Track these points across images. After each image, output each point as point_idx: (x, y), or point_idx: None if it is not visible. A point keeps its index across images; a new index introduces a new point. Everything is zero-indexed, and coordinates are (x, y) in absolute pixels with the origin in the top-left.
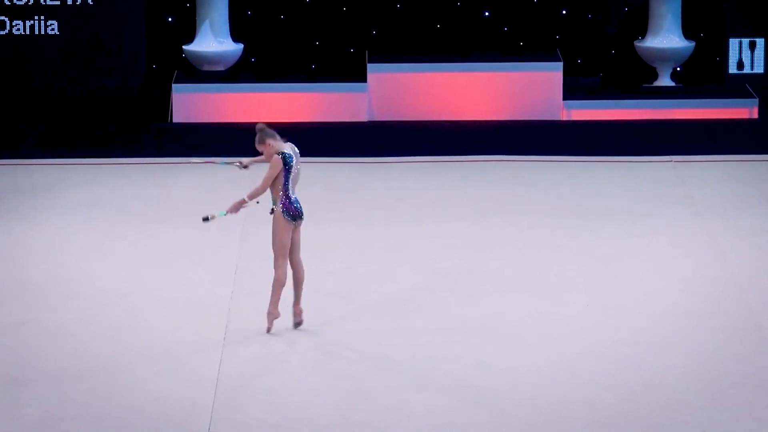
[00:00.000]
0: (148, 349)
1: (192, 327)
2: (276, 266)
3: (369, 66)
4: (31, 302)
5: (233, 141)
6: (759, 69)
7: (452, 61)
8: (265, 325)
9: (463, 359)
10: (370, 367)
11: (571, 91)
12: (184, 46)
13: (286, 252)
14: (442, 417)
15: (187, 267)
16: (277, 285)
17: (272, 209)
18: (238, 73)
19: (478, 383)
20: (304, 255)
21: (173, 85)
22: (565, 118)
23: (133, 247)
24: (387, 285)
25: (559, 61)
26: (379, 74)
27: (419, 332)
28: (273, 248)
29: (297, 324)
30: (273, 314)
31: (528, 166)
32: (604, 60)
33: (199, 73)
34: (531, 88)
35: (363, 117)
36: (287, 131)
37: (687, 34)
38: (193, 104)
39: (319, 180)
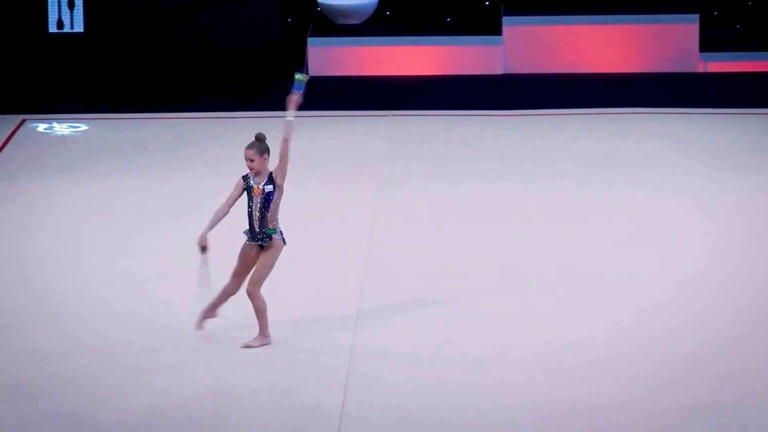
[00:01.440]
0: (286, 304)
1: (329, 282)
2: (259, 292)
3: (504, 19)
4: (169, 258)
5: (368, 94)
6: None
7: (587, 14)
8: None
9: (593, 312)
10: (498, 334)
11: (707, 44)
12: (319, 0)
13: (237, 271)
14: (575, 370)
15: (324, 221)
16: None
17: (266, 239)
18: (373, 26)
19: (605, 339)
20: (434, 211)
21: (308, 39)
22: (701, 70)
23: None
24: (519, 242)
25: (696, 13)
26: (514, 27)
27: (553, 287)
28: (265, 276)
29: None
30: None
31: (663, 119)
32: (741, 12)
33: (334, 26)
34: (667, 40)
35: (498, 70)
36: (422, 84)
37: None
38: (328, 58)
39: (453, 133)
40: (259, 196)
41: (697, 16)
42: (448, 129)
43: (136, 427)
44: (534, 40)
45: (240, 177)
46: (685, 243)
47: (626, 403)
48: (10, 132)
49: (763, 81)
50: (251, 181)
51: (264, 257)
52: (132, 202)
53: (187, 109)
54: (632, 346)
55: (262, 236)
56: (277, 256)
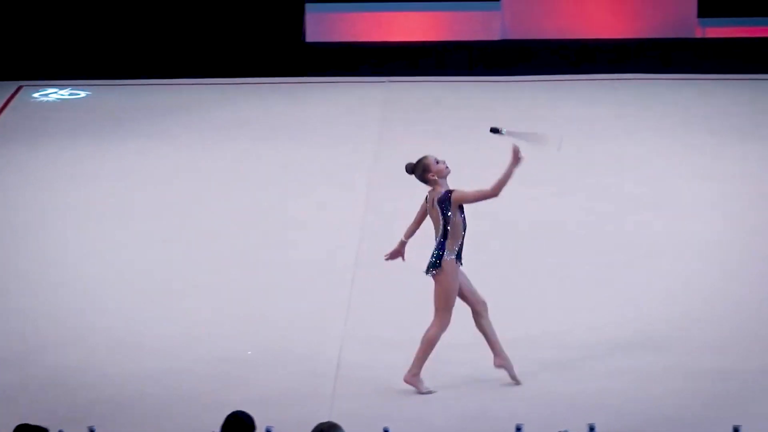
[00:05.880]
0: (282, 267)
1: (326, 246)
2: (436, 324)
3: None
4: (171, 220)
5: (365, 60)
6: None
7: None
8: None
9: (599, 274)
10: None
11: (706, 8)
12: None
13: (452, 306)
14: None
15: (319, 187)
16: (430, 344)
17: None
18: None
19: (615, 297)
20: None
21: (306, 5)
22: (699, 35)
23: (268, 167)
24: (527, 207)
25: None
26: None
27: (569, 247)
28: (438, 305)
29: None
30: (416, 377)
31: (661, 84)
32: None
33: None
34: (665, 5)
35: (496, 35)
36: (421, 49)
37: None
38: (325, 23)
39: (452, 98)
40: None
41: None
42: (445, 94)
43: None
44: (532, 5)
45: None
46: (689, 206)
47: None
48: (6, 99)
49: (760, 46)
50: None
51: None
52: (132, 168)
53: (186, 75)
54: None
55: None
56: (447, 280)
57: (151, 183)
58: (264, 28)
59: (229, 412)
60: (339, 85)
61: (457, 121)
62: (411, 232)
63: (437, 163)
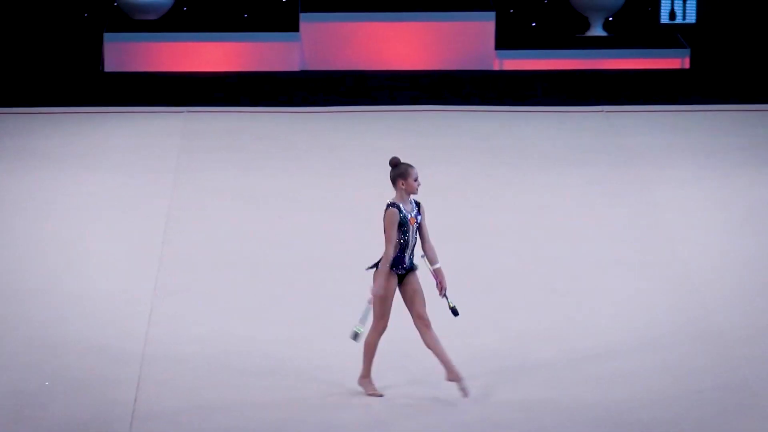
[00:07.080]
0: (79, 298)
1: (123, 277)
2: (371, 327)
3: (301, 15)
4: None
5: (164, 90)
6: (691, 19)
7: (385, 11)
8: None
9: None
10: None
11: (503, 41)
12: None
13: (387, 312)
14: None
15: (117, 217)
16: (366, 349)
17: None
18: (170, 22)
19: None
20: (231, 205)
21: (105, 34)
22: (497, 68)
23: (66, 197)
24: (321, 233)
25: (492, 10)
26: (311, 24)
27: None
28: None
29: (463, 392)
30: (363, 384)
31: (460, 116)
32: (536, 9)
33: (131, 22)
34: (463, 38)
35: (295, 67)
36: (219, 80)
37: None
38: (124, 53)
39: (250, 129)
40: (414, 225)
41: (493, 14)
42: (243, 125)
43: None
44: (332, 37)
45: (389, 211)
46: (489, 237)
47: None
48: None
49: (557, 79)
50: (404, 212)
51: (416, 282)
52: None
53: None
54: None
55: (411, 264)
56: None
57: None
58: (62, 58)
59: None
60: (138, 115)
61: (256, 152)
62: (430, 252)
63: (415, 180)
